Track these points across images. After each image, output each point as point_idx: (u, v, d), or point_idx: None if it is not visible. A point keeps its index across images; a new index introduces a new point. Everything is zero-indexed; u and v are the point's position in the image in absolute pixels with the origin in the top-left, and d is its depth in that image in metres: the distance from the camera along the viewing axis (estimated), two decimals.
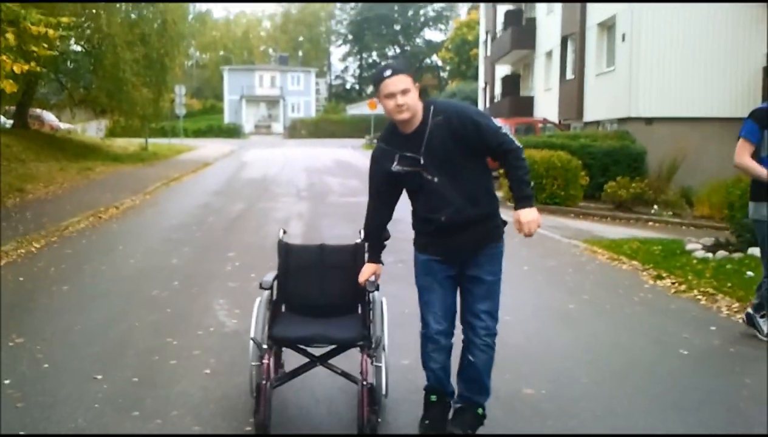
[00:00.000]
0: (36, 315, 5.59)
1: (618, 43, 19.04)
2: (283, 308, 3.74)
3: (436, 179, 3.15)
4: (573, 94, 22.65)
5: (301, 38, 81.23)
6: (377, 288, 3.52)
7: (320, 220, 11.20)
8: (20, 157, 18.19)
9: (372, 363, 3.40)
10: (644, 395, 4.02)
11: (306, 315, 3.63)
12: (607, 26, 20.25)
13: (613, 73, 19.62)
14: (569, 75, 23.50)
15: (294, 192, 15.68)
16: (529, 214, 3.13)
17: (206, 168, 23.19)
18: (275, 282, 3.64)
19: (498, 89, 33.74)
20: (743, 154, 4.65)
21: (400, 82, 3.11)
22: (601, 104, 20.50)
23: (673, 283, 6.62)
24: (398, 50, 78.73)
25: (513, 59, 31.66)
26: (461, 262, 3.29)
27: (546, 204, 13.96)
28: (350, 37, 79.82)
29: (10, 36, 9.22)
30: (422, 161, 3.15)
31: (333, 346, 3.50)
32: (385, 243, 3.52)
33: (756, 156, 4.64)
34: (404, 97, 3.10)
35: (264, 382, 3.29)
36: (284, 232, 3.90)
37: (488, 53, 36.60)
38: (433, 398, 3.42)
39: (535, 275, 7.30)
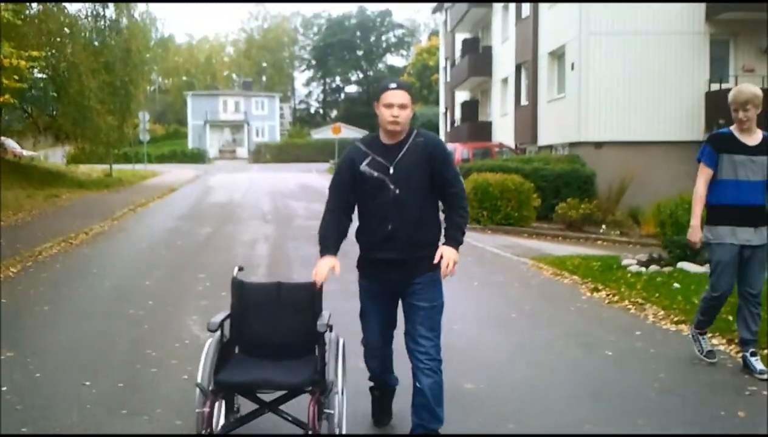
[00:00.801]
0: (23, 332, 6.04)
1: (568, 71, 20.06)
2: (237, 349, 3.62)
3: (397, 191, 3.36)
4: (527, 119, 23.63)
5: (264, 64, 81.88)
6: (330, 329, 3.47)
7: (286, 242, 11.74)
8: None
9: (323, 409, 3.26)
10: (568, 387, 4.67)
11: (260, 357, 3.51)
12: (558, 55, 21.28)
13: (563, 99, 20.61)
14: (524, 101, 24.51)
15: (260, 215, 16.19)
16: (453, 252, 3.38)
17: (172, 193, 23.51)
18: (229, 322, 3.57)
19: (458, 114, 34.73)
20: (699, 180, 4.85)
21: (401, 96, 3.38)
22: (554, 129, 21.47)
23: (608, 295, 7.35)
24: (361, 75, 79.97)
25: (471, 85, 32.69)
26: (399, 288, 3.49)
27: (500, 224, 14.73)
28: (313, 62, 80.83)
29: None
30: (391, 171, 3.37)
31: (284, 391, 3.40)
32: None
33: (713, 179, 4.80)
34: (401, 111, 3.36)
35: (204, 431, 3.17)
36: (240, 269, 3.75)
37: (448, 79, 37.65)
38: (377, 394, 3.88)
39: (483, 289, 7.96)
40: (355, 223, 3.60)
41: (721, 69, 18.98)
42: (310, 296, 3.55)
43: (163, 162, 49.15)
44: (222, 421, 3.50)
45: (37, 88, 23.93)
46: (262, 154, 56.57)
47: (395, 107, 3.36)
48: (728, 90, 18.10)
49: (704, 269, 7.79)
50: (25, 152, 33.72)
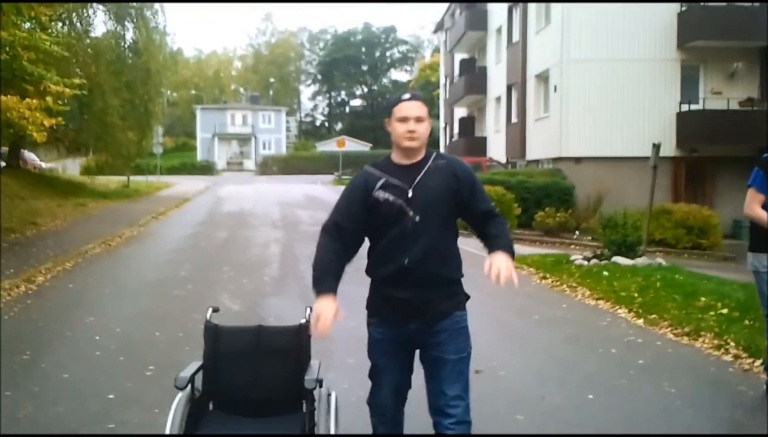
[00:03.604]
0: (94, 306, 7.86)
1: (551, 93, 21.93)
2: (211, 406, 3.15)
3: (417, 218, 2.86)
4: (517, 135, 25.48)
5: (271, 79, 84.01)
6: (320, 384, 3.00)
7: (294, 244, 13.56)
8: (20, 194, 20.21)
9: None
10: (498, 340, 6.49)
11: (238, 414, 3.06)
12: (543, 78, 23.14)
13: (548, 118, 22.47)
14: (514, 119, 26.37)
15: (270, 222, 18.02)
16: (505, 258, 2.83)
17: (186, 203, 25.37)
18: (200, 375, 3.09)
19: (456, 129, 36.63)
20: (754, 205, 4.51)
21: (417, 108, 2.94)
22: (540, 145, 23.32)
23: (552, 281, 9.20)
24: (366, 89, 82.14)
25: (468, 102, 34.59)
26: (419, 336, 2.97)
27: None
28: (319, 76, 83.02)
29: (49, 98, 11.48)
30: (410, 194, 2.88)
31: None
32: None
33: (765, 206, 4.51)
34: (418, 125, 2.92)
35: None
36: (213, 311, 3.30)
37: (447, 96, 39.58)
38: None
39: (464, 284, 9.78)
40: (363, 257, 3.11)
41: (692, 92, 20.80)
42: (296, 342, 3.09)
43: (174, 173, 51.06)
44: None
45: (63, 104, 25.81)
46: (268, 166, 58.44)
47: (411, 121, 2.92)
48: (698, 111, 20.08)
49: (632, 262, 9.64)
50: (44, 164, 35.70)
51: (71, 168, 40.66)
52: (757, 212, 4.49)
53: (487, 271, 2.75)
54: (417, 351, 3.04)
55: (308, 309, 3.09)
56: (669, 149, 20.34)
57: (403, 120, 2.94)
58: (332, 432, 2.94)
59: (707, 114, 20.08)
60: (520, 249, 13.88)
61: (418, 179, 2.91)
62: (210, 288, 8.83)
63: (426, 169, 2.94)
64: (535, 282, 9.42)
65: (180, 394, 2.91)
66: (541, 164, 23.39)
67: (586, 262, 10.01)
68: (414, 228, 2.86)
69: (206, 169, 57.21)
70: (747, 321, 6.34)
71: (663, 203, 17.39)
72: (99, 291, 8.74)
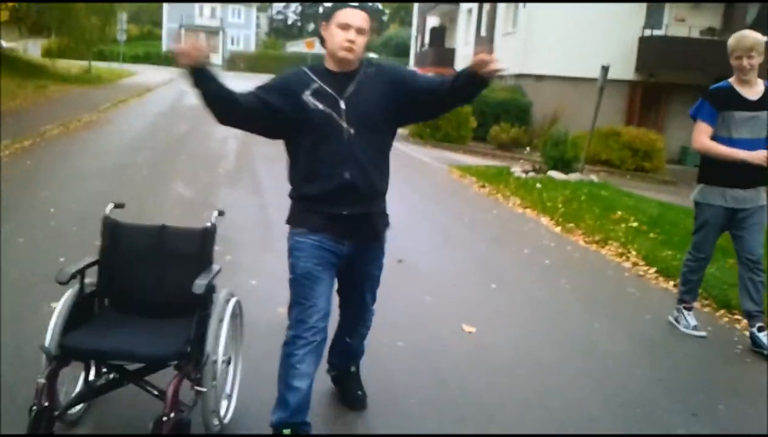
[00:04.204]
0: (50, 183, 8.22)
1: (521, 8, 22.00)
2: (107, 302, 3.01)
3: (351, 131, 2.69)
4: (484, 50, 25.53)
5: None
6: (213, 290, 2.89)
7: (251, 141, 13.86)
8: None
9: (192, 387, 2.72)
10: (424, 237, 7.10)
11: (131, 314, 2.93)
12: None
13: (515, 34, 22.60)
14: (483, 32, 26.39)
15: None
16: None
17: (149, 93, 25.21)
18: (92, 272, 2.94)
19: (427, 39, 36.40)
20: (702, 137, 4.36)
21: (362, 18, 2.71)
22: (505, 61, 23.34)
23: (489, 190, 9.82)
24: None
25: (440, 12, 34.26)
26: (350, 252, 2.84)
27: (440, 141, 17.02)
28: None
29: None
30: (342, 105, 2.70)
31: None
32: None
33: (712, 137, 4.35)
34: (358, 36, 2.70)
35: (35, 406, 2.52)
36: (115, 206, 3.09)
37: (420, 4, 39.06)
38: (287, 431, 2.76)
39: (403, 183, 10.31)
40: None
41: (656, 17, 21.07)
42: (199, 245, 2.98)
43: (137, 62, 50.05)
44: (78, 389, 2.94)
45: None
46: (236, 63, 57.47)
47: (352, 30, 2.69)
48: (660, 37, 20.38)
49: (566, 177, 10.28)
50: (4, 44, 34.69)
51: (32, 49, 39.56)
52: (706, 143, 4.34)
53: (476, 60, 2.63)
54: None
55: (215, 213, 3.06)
56: (628, 73, 20.82)
57: (345, 27, 2.70)
58: (223, 335, 2.77)
59: (669, 40, 20.44)
60: (468, 160, 14.56)
61: (351, 90, 2.74)
62: (166, 176, 9.21)
63: (358, 78, 2.77)
64: (474, 190, 10.05)
65: (68, 291, 2.78)
66: (504, 80, 23.68)
67: (524, 175, 10.62)
68: (348, 140, 2.70)
69: (171, 60, 55.68)
70: (652, 235, 7.03)
71: (613, 125, 17.96)
72: (55, 170, 9.07)
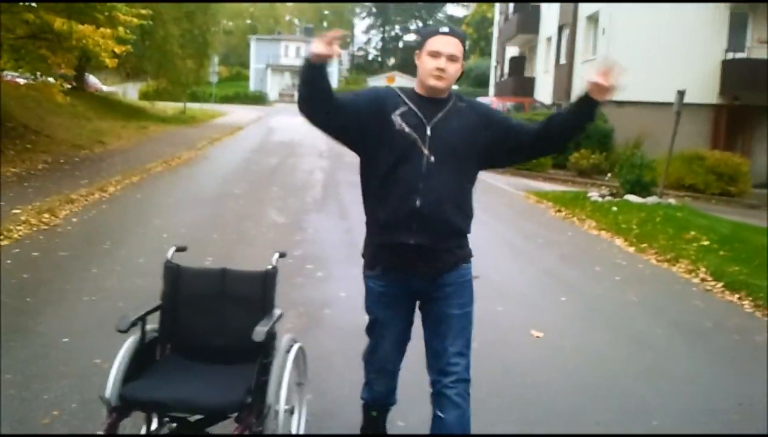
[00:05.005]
0: (163, 209, 9.12)
1: (600, 35, 22.18)
2: (168, 349, 2.96)
3: (432, 159, 2.61)
4: (564, 77, 25.78)
5: (326, 11, 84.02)
6: (272, 337, 2.80)
7: (337, 171, 14.67)
8: (86, 115, 21.72)
9: None
10: (501, 256, 7.52)
11: (195, 359, 2.89)
12: (594, 20, 23.33)
13: (594, 60, 22.74)
14: (562, 60, 26.61)
15: (316, 152, 19.13)
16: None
17: (239, 131, 26.64)
18: (154, 319, 2.91)
19: (506, 69, 36.80)
20: None
21: (453, 45, 2.64)
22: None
23: (565, 214, 10.12)
24: (420, 24, 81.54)
25: (520, 42, 34.64)
26: (423, 289, 2.77)
27: (519, 169, 17.34)
28: (374, 9, 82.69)
29: (120, 28, 12.61)
30: (428, 131, 2.63)
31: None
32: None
33: None
34: (449, 64, 2.63)
35: None
36: (177, 250, 3.06)
37: (499, 34, 39.57)
38: (374, 413, 3.07)
39: (479, 210, 10.76)
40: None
41: (738, 40, 20.81)
42: (260, 289, 2.92)
43: (227, 102, 52.47)
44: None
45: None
46: None
47: (443, 58, 2.63)
48: (743, 59, 20.15)
49: (643, 200, 10.47)
50: (105, 88, 37.35)
51: (130, 92, 42.35)
52: None
53: (598, 79, 2.57)
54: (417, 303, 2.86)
55: (276, 255, 2.99)
56: (712, 96, 20.60)
57: (435, 55, 2.63)
58: (284, 384, 2.70)
59: (753, 63, 20.15)
60: (546, 186, 14.84)
61: (439, 116, 2.65)
62: (260, 204, 10.01)
63: (448, 108, 2.69)
64: (550, 215, 10.40)
65: (130, 339, 2.73)
66: None
67: (600, 199, 10.86)
68: (426, 168, 2.61)
69: (258, 99, 58.45)
70: (722, 252, 7.22)
71: (698, 149, 17.82)
72: (163, 200, 10.02)
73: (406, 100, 2.68)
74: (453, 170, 2.65)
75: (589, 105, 2.63)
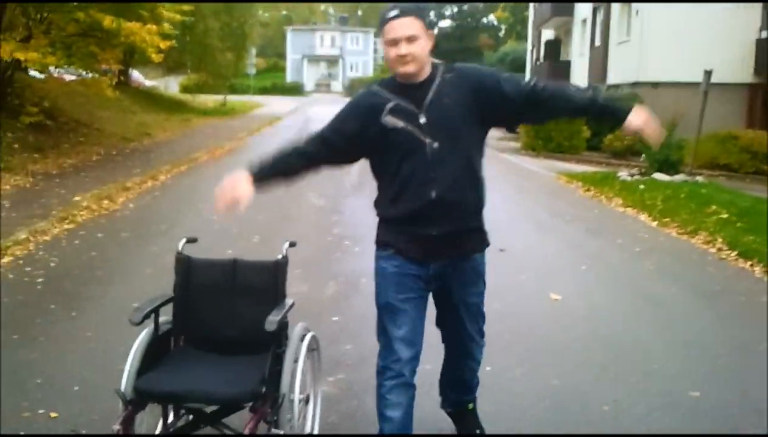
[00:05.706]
0: (208, 196, 9.69)
1: (634, 16, 22.21)
2: (182, 340, 2.98)
3: (435, 144, 2.54)
4: (599, 59, 25.81)
5: None
6: (284, 327, 2.77)
7: None
8: (131, 109, 22.58)
9: (269, 429, 2.60)
10: (527, 230, 7.93)
11: (208, 350, 2.90)
12: (627, 1, 23.33)
13: (629, 42, 22.79)
14: (597, 42, 26.63)
15: None
16: (641, 113, 2.55)
17: (278, 121, 27.32)
18: (166, 310, 2.92)
19: (542, 52, 36.77)
20: None
21: (406, 26, 2.51)
22: (620, 70, 23.70)
23: (594, 193, 10.48)
24: (455, 10, 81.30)
25: (555, 25, 34.54)
26: (442, 275, 2.70)
27: (553, 152, 17.61)
28: None
29: (165, 24, 13.22)
30: (422, 120, 2.54)
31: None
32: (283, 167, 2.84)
33: None
34: (410, 46, 2.50)
35: None
36: (188, 241, 3.10)
37: (534, 17, 39.51)
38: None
39: (515, 190, 11.17)
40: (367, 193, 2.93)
41: None
42: (272, 278, 2.93)
43: (265, 94, 53.28)
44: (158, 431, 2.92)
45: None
46: (355, 89, 59.11)
47: (401, 43, 2.51)
48: None
49: (670, 178, 10.75)
50: (147, 82, 38.41)
51: (171, 86, 43.39)
52: None
53: (642, 126, 2.55)
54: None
55: (286, 244, 2.98)
56: (746, 76, 20.52)
57: (392, 43, 2.53)
58: (298, 373, 2.69)
59: None
60: (579, 168, 15.12)
61: (428, 100, 2.56)
62: (300, 189, 10.44)
63: (435, 86, 2.58)
64: (579, 194, 10.79)
65: (143, 332, 2.76)
66: (620, 89, 23.83)
67: (629, 178, 11.15)
68: (433, 154, 2.54)
69: (295, 90, 59.17)
70: (739, 224, 7.53)
71: (731, 129, 17.83)
72: (210, 187, 10.55)
73: (391, 96, 2.61)
74: (459, 148, 2.59)
75: (615, 124, 2.70)
